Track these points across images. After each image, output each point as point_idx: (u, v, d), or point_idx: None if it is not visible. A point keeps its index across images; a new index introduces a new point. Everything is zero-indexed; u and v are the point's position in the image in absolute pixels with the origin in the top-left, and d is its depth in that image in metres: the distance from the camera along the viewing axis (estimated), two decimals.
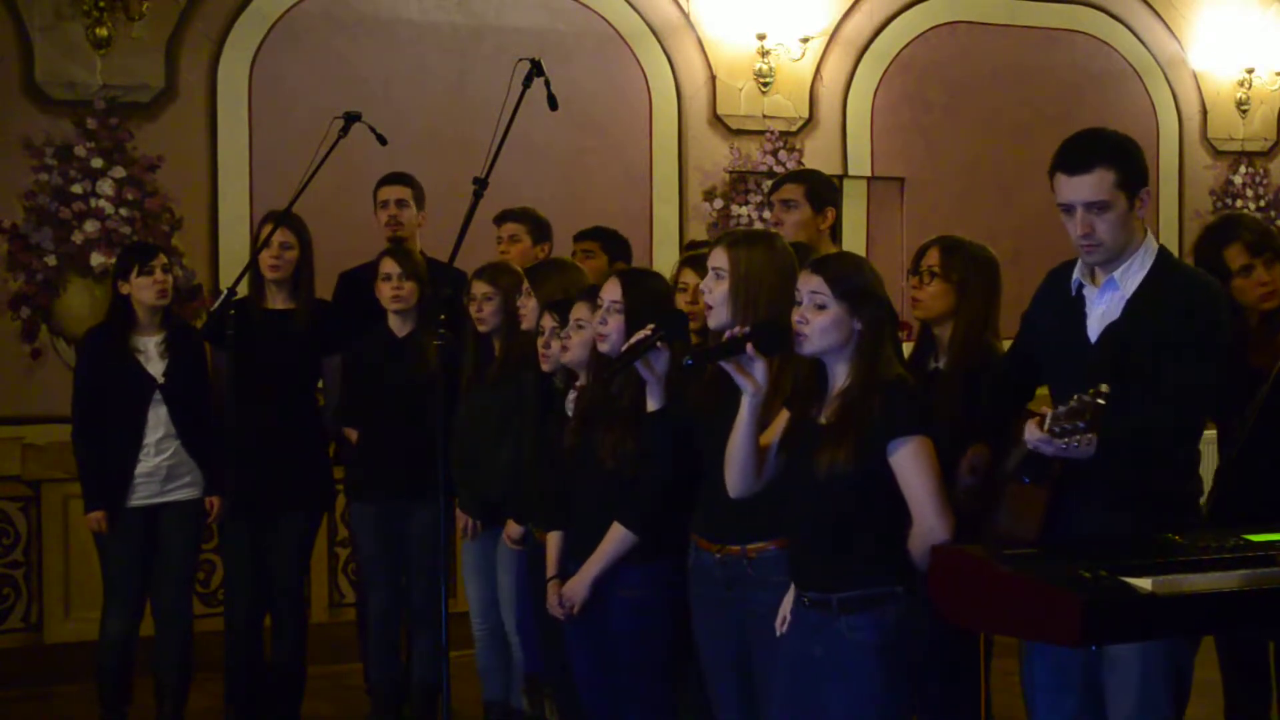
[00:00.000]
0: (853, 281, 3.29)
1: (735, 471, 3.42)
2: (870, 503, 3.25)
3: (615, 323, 3.91)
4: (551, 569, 4.14)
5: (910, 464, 3.21)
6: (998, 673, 4.38)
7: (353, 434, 5.35)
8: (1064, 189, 3.29)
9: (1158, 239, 3.44)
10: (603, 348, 3.96)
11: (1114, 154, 3.28)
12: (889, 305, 3.37)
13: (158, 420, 5.15)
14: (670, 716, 4.00)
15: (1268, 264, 4.31)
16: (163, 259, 5.22)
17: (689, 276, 4.38)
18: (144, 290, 5.13)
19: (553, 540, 4.16)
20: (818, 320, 3.27)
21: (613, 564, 3.90)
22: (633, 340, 3.70)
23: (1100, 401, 2.93)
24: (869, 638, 3.23)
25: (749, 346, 3.28)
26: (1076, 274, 3.43)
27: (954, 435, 3.65)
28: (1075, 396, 2.97)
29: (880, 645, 3.23)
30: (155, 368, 5.16)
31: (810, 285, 3.29)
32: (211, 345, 5.31)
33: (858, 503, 3.25)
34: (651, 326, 3.65)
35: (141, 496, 5.15)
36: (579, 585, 3.96)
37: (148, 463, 5.14)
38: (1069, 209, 3.29)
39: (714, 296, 3.63)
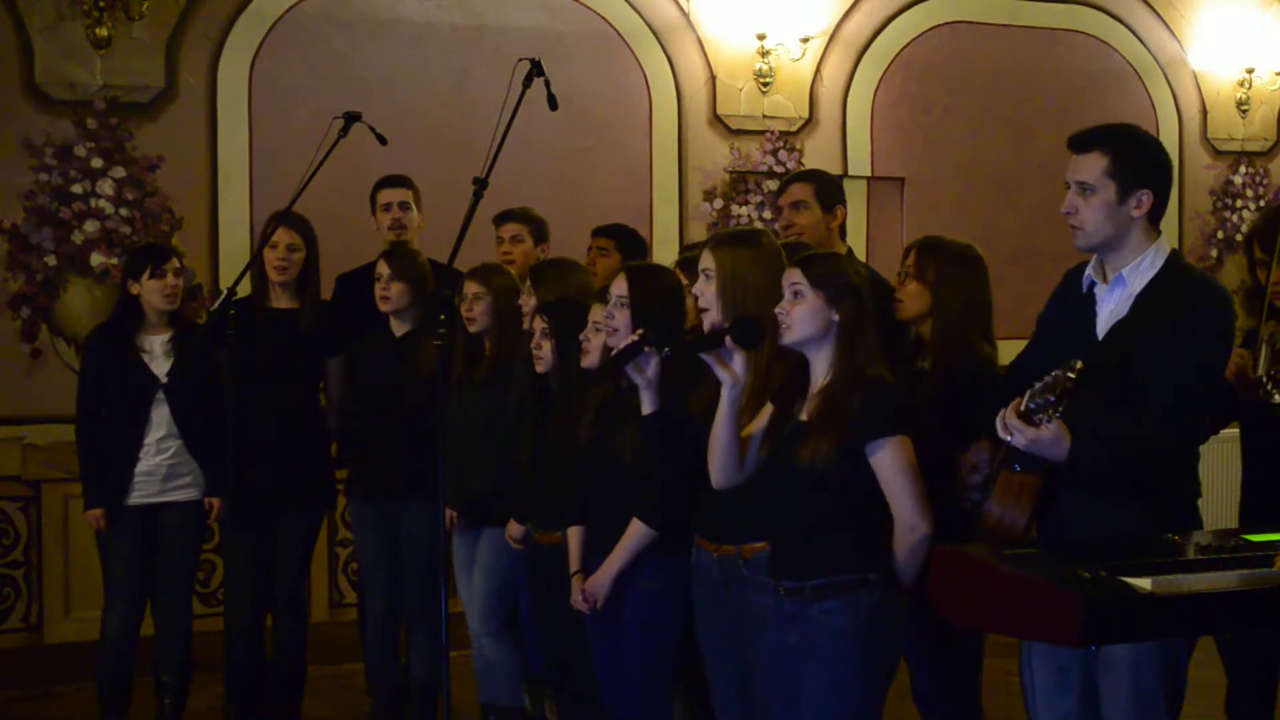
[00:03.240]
0: (830, 273, 3.37)
1: (716, 462, 3.49)
2: (849, 497, 3.32)
3: (622, 317, 3.93)
4: (575, 564, 4.15)
5: (890, 464, 3.29)
6: (998, 672, 4.38)
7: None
8: (1068, 167, 3.37)
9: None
10: (611, 342, 3.97)
11: (1115, 143, 3.32)
12: (870, 302, 3.40)
13: (160, 419, 5.15)
14: (667, 711, 4.01)
15: None
16: (175, 263, 5.22)
17: (681, 278, 4.40)
18: (154, 293, 5.14)
19: (574, 536, 4.18)
20: (796, 310, 3.36)
21: (634, 559, 3.93)
22: (621, 345, 3.72)
23: (1071, 375, 2.98)
24: (843, 623, 3.30)
25: (727, 339, 3.35)
26: (1088, 271, 3.45)
27: (935, 433, 3.66)
28: (1051, 373, 3.01)
29: (854, 630, 3.29)
30: (159, 367, 5.16)
31: (791, 278, 3.40)
32: (212, 344, 5.31)
33: (836, 497, 3.33)
34: (640, 331, 3.66)
35: (141, 495, 5.15)
36: (602, 580, 3.98)
37: (148, 461, 5.15)
38: (1068, 186, 3.35)
39: (705, 298, 3.67)
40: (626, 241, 5.82)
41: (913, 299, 4.15)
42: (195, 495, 5.22)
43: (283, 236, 5.21)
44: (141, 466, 5.14)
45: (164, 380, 5.15)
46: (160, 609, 5.27)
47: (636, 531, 3.91)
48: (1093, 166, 3.29)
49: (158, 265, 5.15)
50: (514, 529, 4.69)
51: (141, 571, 5.20)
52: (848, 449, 3.29)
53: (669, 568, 3.91)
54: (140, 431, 5.13)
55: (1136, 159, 3.32)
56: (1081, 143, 3.34)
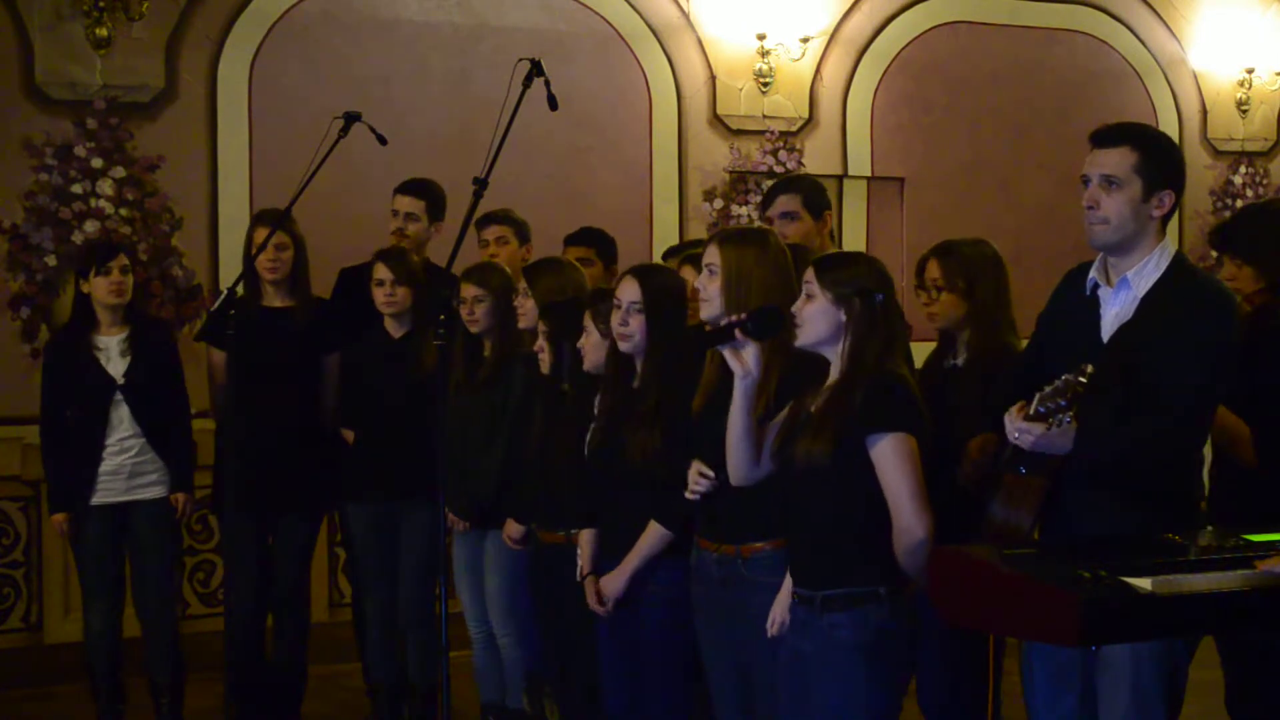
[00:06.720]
0: (840, 274, 3.32)
1: (733, 457, 3.45)
2: (851, 499, 3.25)
3: (637, 322, 3.91)
4: (587, 566, 4.14)
5: (888, 460, 3.21)
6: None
7: (349, 435, 5.35)
8: (1088, 161, 3.36)
9: None
10: (625, 347, 3.96)
11: (1144, 141, 3.34)
12: (883, 303, 3.33)
13: (120, 419, 5.13)
14: (688, 713, 4.00)
15: (1234, 259, 4.31)
16: (122, 259, 5.18)
17: (688, 274, 4.39)
18: (100, 290, 5.11)
19: (585, 539, 4.17)
20: (806, 309, 3.33)
21: (649, 560, 3.92)
22: (721, 323, 3.46)
23: (1082, 380, 2.98)
24: (849, 637, 3.25)
25: (737, 331, 3.30)
26: (1093, 273, 3.44)
27: (970, 432, 3.64)
28: (1061, 377, 3.00)
29: (860, 645, 3.24)
30: (116, 367, 5.13)
31: (806, 278, 3.37)
32: (211, 345, 5.31)
33: (837, 498, 3.26)
34: (741, 315, 3.42)
35: (106, 495, 5.13)
36: (617, 580, 3.97)
37: (111, 461, 5.13)
38: (1086, 182, 3.34)
39: (708, 292, 3.66)
40: (604, 248, 5.83)
41: (949, 309, 4.16)
42: (163, 493, 5.21)
43: (272, 236, 5.19)
44: (105, 466, 5.13)
45: (121, 381, 5.13)
46: (143, 610, 5.25)
47: (654, 534, 3.90)
48: (1121, 161, 3.30)
49: (102, 263, 5.12)
50: (513, 529, 4.68)
51: (114, 568, 5.20)
52: (846, 444, 3.22)
53: (678, 570, 3.89)
54: (101, 432, 5.11)
55: (1163, 159, 3.35)
56: (1108, 137, 3.34)
